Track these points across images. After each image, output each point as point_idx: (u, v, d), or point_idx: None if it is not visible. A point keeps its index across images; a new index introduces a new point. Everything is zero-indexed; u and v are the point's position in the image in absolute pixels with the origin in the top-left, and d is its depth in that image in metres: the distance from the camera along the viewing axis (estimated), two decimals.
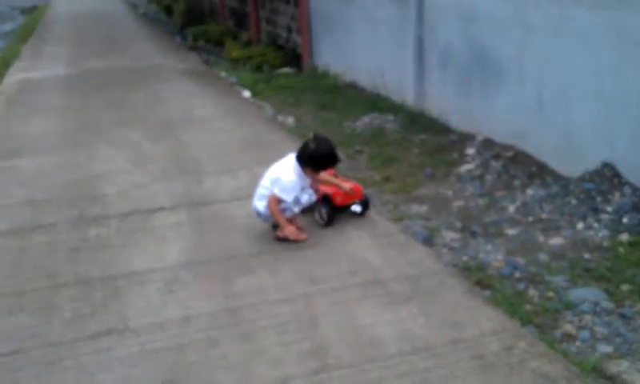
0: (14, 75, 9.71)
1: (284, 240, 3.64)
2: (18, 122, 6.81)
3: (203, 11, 15.34)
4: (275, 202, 3.54)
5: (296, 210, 3.63)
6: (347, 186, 3.78)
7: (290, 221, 3.69)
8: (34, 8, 23.83)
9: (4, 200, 4.50)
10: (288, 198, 3.51)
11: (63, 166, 5.23)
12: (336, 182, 3.80)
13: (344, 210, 3.84)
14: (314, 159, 3.53)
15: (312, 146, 3.54)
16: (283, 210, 3.59)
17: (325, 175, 3.77)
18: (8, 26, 18.69)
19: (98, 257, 3.57)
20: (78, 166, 5.21)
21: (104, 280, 3.29)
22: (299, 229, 3.72)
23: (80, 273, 3.38)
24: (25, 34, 15.07)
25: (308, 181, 3.64)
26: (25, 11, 23.65)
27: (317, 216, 3.82)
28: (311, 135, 3.65)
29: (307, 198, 3.65)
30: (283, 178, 3.54)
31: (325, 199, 3.79)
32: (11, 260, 3.58)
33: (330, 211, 3.75)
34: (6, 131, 6.46)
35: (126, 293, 3.16)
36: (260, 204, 3.65)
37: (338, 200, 3.75)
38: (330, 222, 3.78)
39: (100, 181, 4.81)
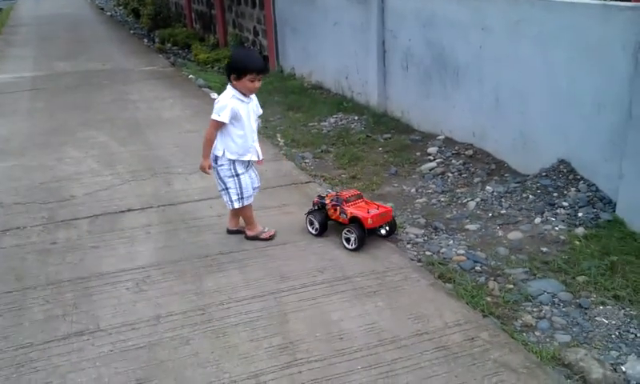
0: None
1: (254, 239, 3.68)
2: None
3: (170, 14, 15.22)
4: (212, 126, 3.46)
5: (253, 192, 3.62)
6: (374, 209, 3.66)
7: (254, 220, 3.71)
8: None
9: None
10: (223, 117, 3.38)
11: (31, 168, 5.17)
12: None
13: (373, 232, 3.65)
14: (232, 63, 3.44)
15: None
16: (241, 199, 3.54)
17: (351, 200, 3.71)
18: None
19: (68, 258, 3.54)
20: (47, 168, 5.16)
21: (74, 281, 3.27)
22: (266, 231, 3.75)
23: (50, 274, 3.36)
24: None
25: (251, 104, 3.50)
26: None
27: (344, 241, 3.60)
28: None
29: (254, 177, 3.63)
30: (218, 98, 3.47)
31: (354, 222, 3.59)
32: None
33: (362, 235, 3.54)
34: None
35: (96, 293, 3.14)
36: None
37: (369, 223, 3.55)
38: (360, 247, 3.55)
39: (69, 183, 4.77)
